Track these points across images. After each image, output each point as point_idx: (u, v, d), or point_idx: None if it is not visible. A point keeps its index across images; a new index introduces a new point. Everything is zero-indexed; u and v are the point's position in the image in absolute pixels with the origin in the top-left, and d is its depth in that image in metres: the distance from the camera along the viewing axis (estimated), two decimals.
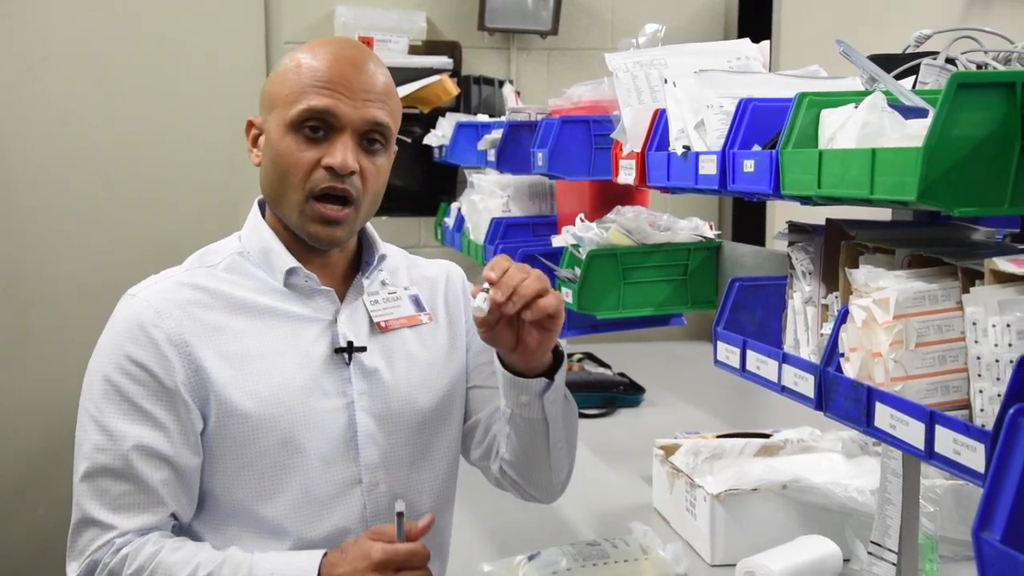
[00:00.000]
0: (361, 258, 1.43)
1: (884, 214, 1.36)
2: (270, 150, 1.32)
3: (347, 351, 1.35)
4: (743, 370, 1.41)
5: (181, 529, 1.32)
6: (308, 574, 1.24)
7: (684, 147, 1.44)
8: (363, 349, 1.36)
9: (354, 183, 1.31)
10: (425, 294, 1.46)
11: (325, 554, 1.26)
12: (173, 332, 1.28)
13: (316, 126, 1.29)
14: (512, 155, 2.43)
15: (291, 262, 1.34)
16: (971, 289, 1.02)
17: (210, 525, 1.32)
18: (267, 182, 1.34)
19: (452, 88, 3.34)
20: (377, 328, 1.39)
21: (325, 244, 1.34)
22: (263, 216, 1.40)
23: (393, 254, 1.47)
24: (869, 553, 1.52)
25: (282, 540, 1.31)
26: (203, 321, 1.30)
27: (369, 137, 1.32)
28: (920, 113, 1.05)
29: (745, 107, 1.31)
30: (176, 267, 1.38)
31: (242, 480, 1.30)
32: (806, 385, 1.24)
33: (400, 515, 1.25)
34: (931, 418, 0.99)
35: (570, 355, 3.02)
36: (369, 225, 1.43)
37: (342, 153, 1.29)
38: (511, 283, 1.24)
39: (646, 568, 1.62)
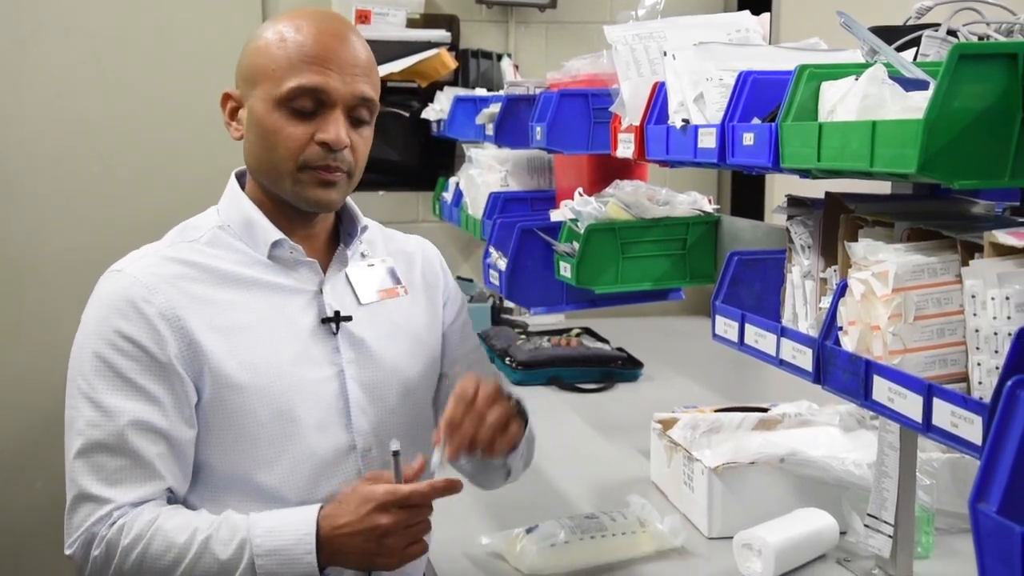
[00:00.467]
0: (340, 229, 1.45)
1: (883, 187, 1.35)
2: (257, 125, 1.32)
3: (334, 321, 1.37)
4: (741, 344, 1.41)
5: (177, 502, 1.32)
6: (307, 525, 1.24)
7: (683, 120, 1.43)
8: (349, 319, 1.38)
9: (346, 157, 1.32)
10: (401, 267, 1.49)
11: (321, 507, 1.26)
12: (164, 306, 1.28)
13: (306, 102, 1.29)
14: (510, 129, 2.42)
15: (276, 234, 1.35)
16: (970, 262, 1.02)
17: (206, 497, 1.33)
18: (254, 156, 1.34)
19: (450, 62, 3.32)
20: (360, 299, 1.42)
21: (322, 208, 1.35)
22: (242, 189, 1.40)
23: (370, 227, 1.49)
24: (866, 526, 1.53)
25: (282, 507, 1.31)
26: (192, 294, 1.31)
27: (357, 111, 1.33)
28: (921, 85, 1.04)
29: (745, 80, 1.31)
30: (156, 242, 1.38)
31: (239, 450, 1.31)
32: (804, 359, 1.24)
33: (396, 454, 1.26)
34: (929, 391, 0.99)
35: (568, 330, 3.02)
36: (349, 198, 1.44)
37: (335, 129, 1.30)
38: (463, 440, 1.27)
39: (644, 541, 1.62)
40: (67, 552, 1.28)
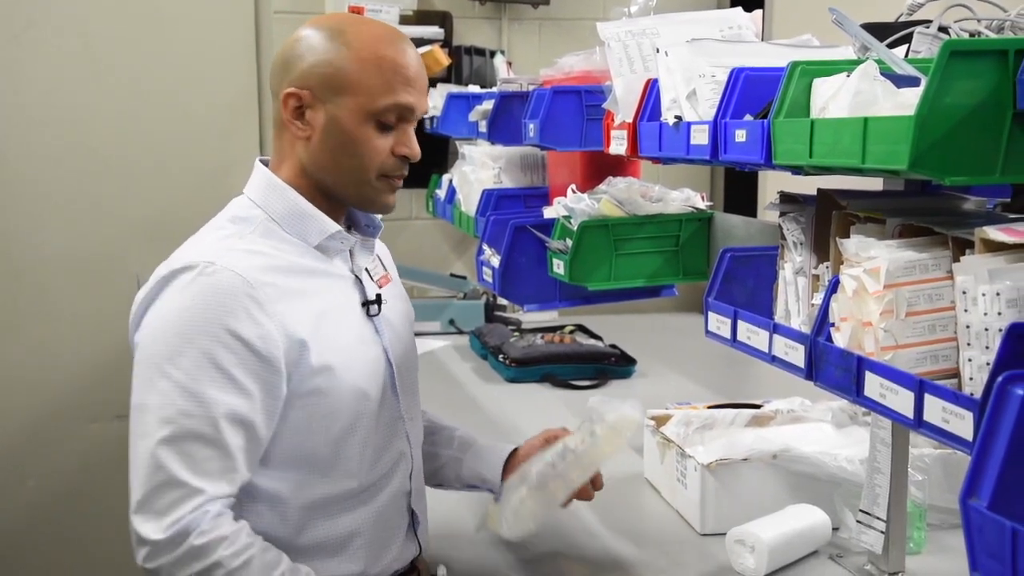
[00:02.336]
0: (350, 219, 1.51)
1: (875, 184, 1.36)
2: (340, 133, 1.36)
3: (376, 303, 1.44)
4: (734, 340, 1.41)
5: None
6: None
7: (676, 117, 1.43)
8: (384, 301, 1.46)
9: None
10: (383, 255, 1.58)
11: None
12: (266, 301, 1.30)
13: (392, 117, 1.38)
14: (503, 126, 2.42)
15: (334, 227, 1.41)
16: (961, 258, 1.02)
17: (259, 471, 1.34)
18: (327, 159, 1.38)
19: (443, 58, 3.32)
20: (376, 284, 1.49)
21: (387, 210, 1.45)
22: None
23: None
24: (858, 521, 1.53)
25: (345, 479, 1.38)
26: (283, 286, 1.33)
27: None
28: (912, 82, 1.04)
29: (737, 76, 1.31)
30: (219, 232, 1.38)
31: (315, 429, 1.35)
32: (796, 355, 1.24)
33: None
34: (920, 387, 1.00)
35: (562, 327, 3.02)
36: None
37: (414, 144, 1.41)
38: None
39: (605, 441, 1.55)
40: (147, 534, 1.24)
